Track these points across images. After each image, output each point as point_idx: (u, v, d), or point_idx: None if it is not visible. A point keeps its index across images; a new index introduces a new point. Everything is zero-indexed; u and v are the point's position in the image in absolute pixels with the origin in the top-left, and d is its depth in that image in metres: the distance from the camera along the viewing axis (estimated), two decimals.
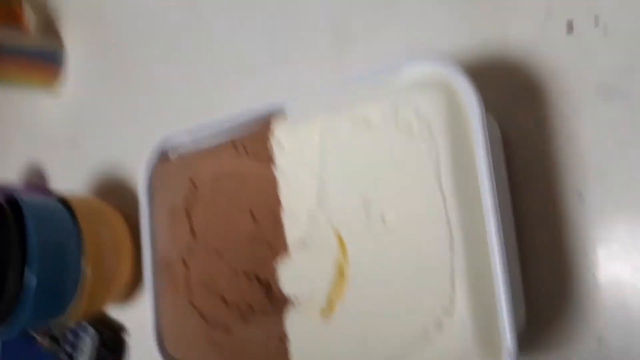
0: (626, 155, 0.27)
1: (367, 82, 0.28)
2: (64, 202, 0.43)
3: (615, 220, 0.27)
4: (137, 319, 0.48)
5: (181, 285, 0.33)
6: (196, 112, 0.46)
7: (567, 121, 0.29)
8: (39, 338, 0.55)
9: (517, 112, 0.31)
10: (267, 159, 0.30)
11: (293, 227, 0.29)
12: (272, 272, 0.30)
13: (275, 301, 0.29)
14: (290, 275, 0.29)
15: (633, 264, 0.27)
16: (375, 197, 0.26)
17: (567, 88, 0.29)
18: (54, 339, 0.53)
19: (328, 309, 0.28)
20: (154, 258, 0.35)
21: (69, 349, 0.51)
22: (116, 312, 0.50)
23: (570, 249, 0.28)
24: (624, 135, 0.28)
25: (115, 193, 0.51)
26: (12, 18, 0.57)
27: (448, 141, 0.24)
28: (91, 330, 0.49)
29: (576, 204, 0.28)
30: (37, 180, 0.59)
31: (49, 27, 0.58)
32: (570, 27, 0.29)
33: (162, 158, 0.36)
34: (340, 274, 0.27)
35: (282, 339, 0.28)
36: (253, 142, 0.31)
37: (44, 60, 0.57)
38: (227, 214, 0.32)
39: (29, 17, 0.58)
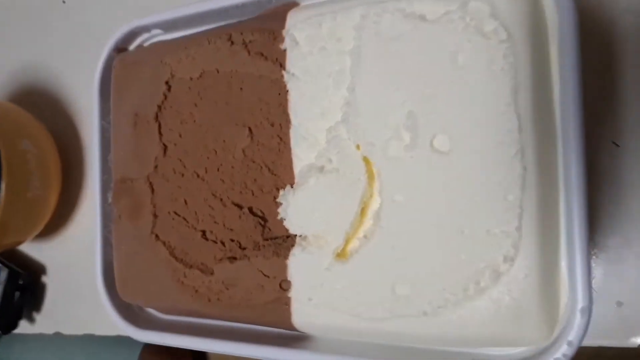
0: None
1: None
2: None
3: None
4: (63, 256, 0.40)
5: (143, 213, 0.26)
6: (152, 6, 0.36)
7: (613, 59, 0.25)
8: None
9: None
10: (275, 59, 0.23)
11: (305, 148, 0.23)
12: (271, 204, 0.24)
13: (273, 239, 0.23)
14: (297, 209, 0.23)
15: None
16: (425, 114, 0.21)
17: (618, 22, 0.25)
18: None
19: (345, 251, 0.22)
20: (103, 177, 0.27)
21: None
22: (35, 248, 0.41)
23: (601, 200, 0.25)
24: None
25: (39, 104, 0.41)
26: None
27: (531, 48, 0.19)
28: (2, 268, 0.40)
29: (611, 153, 0.25)
30: None
31: None
32: None
33: (122, 51, 0.27)
34: (365, 208, 0.22)
35: (283, 284, 0.23)
36: (256, 35, 0.24)
37: None
38: (212, 125, 0.25)
39: None
